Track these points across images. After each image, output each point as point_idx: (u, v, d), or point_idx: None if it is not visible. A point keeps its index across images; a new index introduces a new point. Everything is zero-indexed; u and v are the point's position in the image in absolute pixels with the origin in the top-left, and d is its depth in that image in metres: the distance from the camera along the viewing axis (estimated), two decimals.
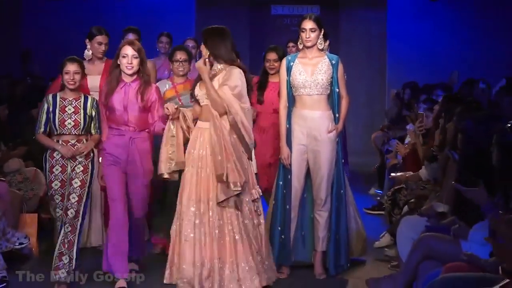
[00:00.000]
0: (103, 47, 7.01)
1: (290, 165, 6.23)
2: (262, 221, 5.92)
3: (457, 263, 4.48)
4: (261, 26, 12.96)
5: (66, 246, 5.80)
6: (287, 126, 6.24)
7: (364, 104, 13.26)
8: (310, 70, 6.18)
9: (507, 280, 3.81)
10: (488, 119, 5.37)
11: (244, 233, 5.72)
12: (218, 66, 5.84)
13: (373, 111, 13.37)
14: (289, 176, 6.25)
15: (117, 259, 5.89)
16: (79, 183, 5.85)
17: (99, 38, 6.96)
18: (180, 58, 6.94)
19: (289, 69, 6.23)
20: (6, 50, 10.78)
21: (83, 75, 5.99)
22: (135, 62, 5.91)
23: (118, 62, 5.95)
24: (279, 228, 6.26)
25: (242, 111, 5.70)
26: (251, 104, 6.13)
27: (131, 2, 11.67)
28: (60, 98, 5.92)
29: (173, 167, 5.84)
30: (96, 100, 6.03)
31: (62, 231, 5.80)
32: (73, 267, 5.84)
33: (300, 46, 6.35)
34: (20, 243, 6.51)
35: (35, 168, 7.60)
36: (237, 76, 5.75)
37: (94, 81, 6.88)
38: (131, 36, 7.43)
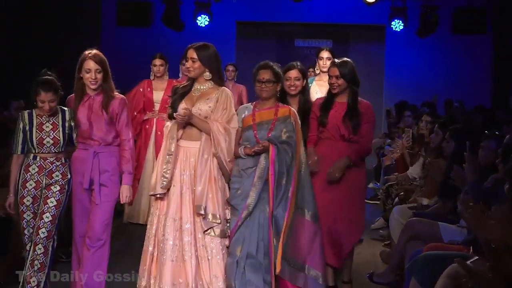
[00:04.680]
0: (157, 68, 6.96)
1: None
2: (226, 243, 4.52)
3: (436, 243, 4.45)
4: (286, 55, 12.74)
5: (37, 268, 4.41)
6: None
7: None
8: (325, 90, 5.56)
9: (477, 257, 3.74)
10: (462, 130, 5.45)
11: (212, 253, 4.45)
12: (205, 85, 4.55)
13: None
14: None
15: None
16: (54, 203, 4.45)
17: (154, 61, 6.98)
18: (263, 79, 4.61)
19: None
20: None
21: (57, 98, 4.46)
22: (99, 76, 4.48)
23: (81, 76, 4.50)
24: None
25: (225, 145, 4.45)
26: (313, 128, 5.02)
27: (185, 34, 11.65)
28: (37, 115, 4.47)
29: (165, 186, 4.42)
30: (72, 111, 4.54)
31: (33, 252, 4.41)
32: None
33: (317, 71, 6.23)
34: None
35: None
36: (232, 104, 4.56)
37: (158, 95, 6.94)
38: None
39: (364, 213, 5.12)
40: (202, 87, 4.56)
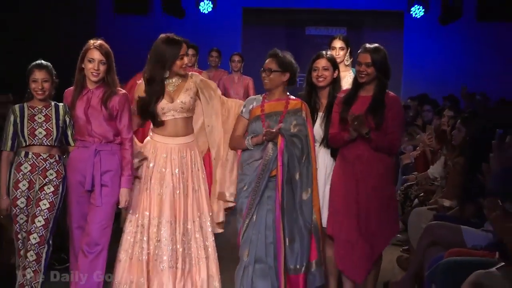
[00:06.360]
0: None
1: None
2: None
3: (458, 249, 4.45)
4: (297, 44, 12.56)
5: (29, 277, 4.46)
6: None
7: None
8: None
9: (503, 263, 3.72)
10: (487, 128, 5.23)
11: (209, 252, 4.65)
12: (176, 78, 4.68)
13: None
14: None
15: None
16: (47, 205, 4.52)
17: None
18: (265, 67, 4.75)
19: None
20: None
21: (53, 83, 4.62)
22: (102, 68, 4.54)
23: (83, 66, 4.57)
24: None
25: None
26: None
27: (187, 21, 11.66)
28: (28, 107, 4.58)
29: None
30: (66, 105, 4.63)
31: (25, 259, 4.46)
32: None
33: None
34: None
35: None
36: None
37: None
38: (190, 52, 7.21)
39: (394, 224, 4.90)
40: (175, 81, 4.71)
